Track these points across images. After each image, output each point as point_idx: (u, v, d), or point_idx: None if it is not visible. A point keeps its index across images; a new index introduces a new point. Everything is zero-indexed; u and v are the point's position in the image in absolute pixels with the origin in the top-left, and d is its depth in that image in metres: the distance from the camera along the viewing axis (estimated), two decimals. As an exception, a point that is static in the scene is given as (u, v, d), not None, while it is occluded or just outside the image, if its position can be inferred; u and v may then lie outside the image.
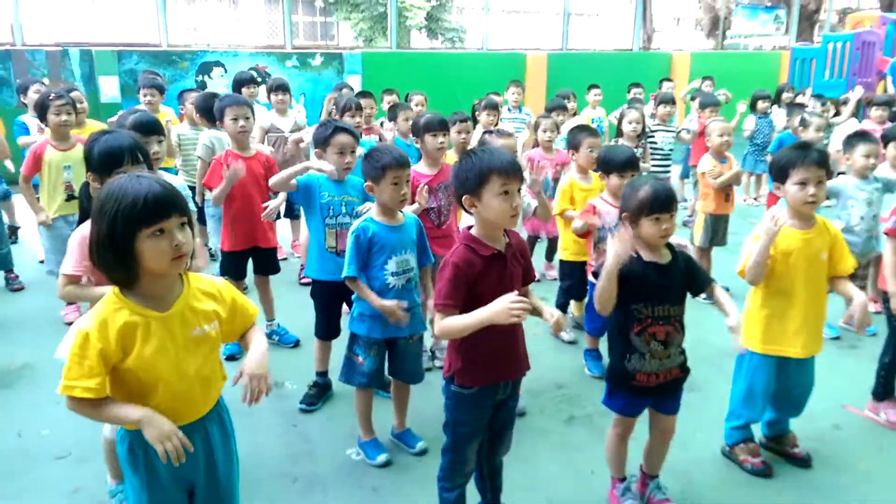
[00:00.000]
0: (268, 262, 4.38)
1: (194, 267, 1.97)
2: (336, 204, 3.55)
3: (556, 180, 5.11)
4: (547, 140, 5.33)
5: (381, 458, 3.16)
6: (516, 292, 2.18)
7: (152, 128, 3.41)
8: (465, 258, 2.30)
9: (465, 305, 2.27)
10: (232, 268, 4.27)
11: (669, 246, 2.69)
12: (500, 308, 2.13)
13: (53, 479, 3.03)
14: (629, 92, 9.12)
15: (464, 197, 2.32)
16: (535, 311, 2.38)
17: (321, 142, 3.59)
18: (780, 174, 2.95)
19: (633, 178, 2.78)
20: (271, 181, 3.64)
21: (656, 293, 2.59)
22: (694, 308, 2.76)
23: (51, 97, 4.55)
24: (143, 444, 1.87)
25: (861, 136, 4.60)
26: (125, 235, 1.74)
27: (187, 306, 1.90)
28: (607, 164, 3.83)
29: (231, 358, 4.15)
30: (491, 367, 2.40)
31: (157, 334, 1.83)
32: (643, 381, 2.63)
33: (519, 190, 2.31)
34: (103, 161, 2.65)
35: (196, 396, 1.95)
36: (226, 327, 2.01)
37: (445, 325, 2.28)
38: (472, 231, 2.38)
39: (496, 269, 2.32)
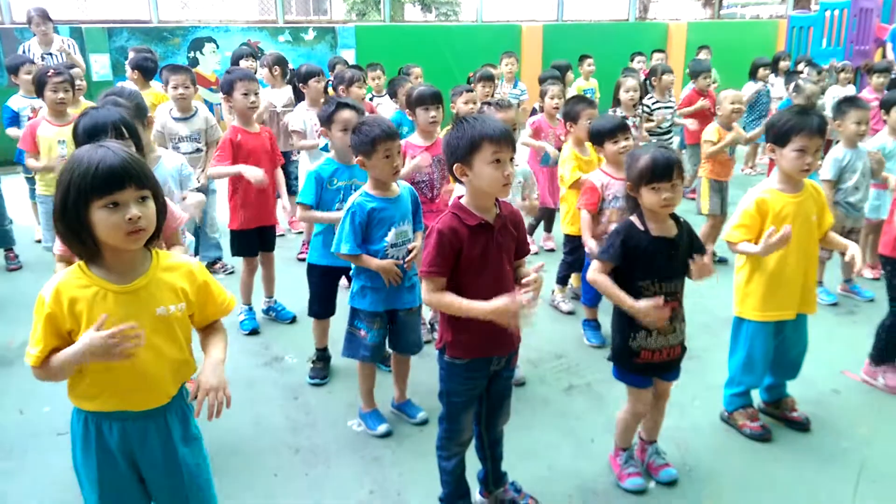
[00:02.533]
0: (271, 239, 4.36)
1: (171, 244, 1.92)
2: (346, 189, 3.45)
3: (558, 149, 5.08)
4: (553, 107, 5.27)
5: (382, 428, 3.17)
6: (513, 294, 2.17)
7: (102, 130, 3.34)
8: (450, 226, 2.28)
9: (454, 275, 2.27)
10: (244, 246, 4.23)
11: (674, 217, 2.67)
12: (503, 311, 2.16)
13: (55, 456, 3.04)
14: (632, 61, 9.04)
15: (455, 165, 2.29)
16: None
17: (325, 119, 3.53)
18: (779, 138, 2.91)
19: (636, 148, 2.75)
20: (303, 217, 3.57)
21: (665, 269, 2.58)
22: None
23: (49, 73, 4.51)
24: (96, 420, 1.88)
25: (852, 101, 4.55)
26: (76, 206, 1.68)
27: (152, 283, 1.83)
28: (599, 134, 3.82)
29: (254, 332, 4.21)
30: (481, 341, 2.38)
31: (114, 308, 1.77)
32: (647, 357, 2.63)
33: (512, 159, 2.29)
34: (86, 136, 2.58)
35: (156, 380, 1.87)
36: (196, 312, 1.94)
37: (438, 300, 2.28)
38: (463, 200, 2.36)
39: (482, 239, 2.29)
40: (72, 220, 1.69)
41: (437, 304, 2.31)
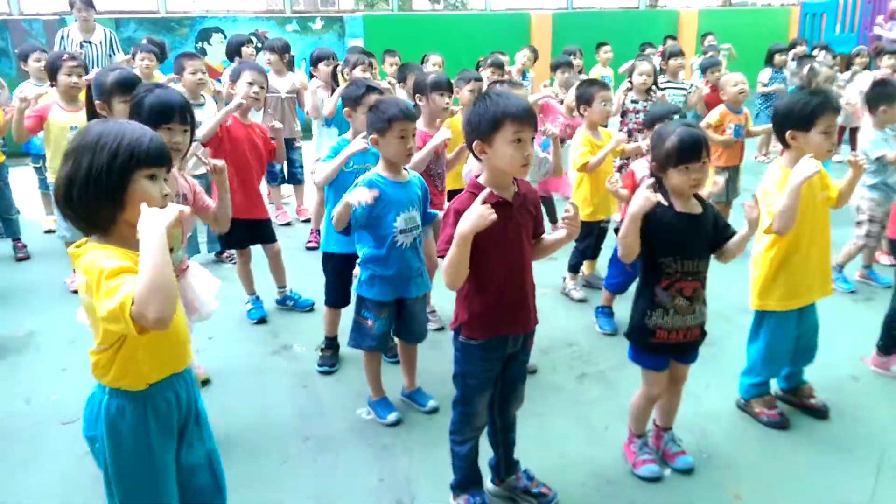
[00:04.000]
0: (266, 231, 4.26)
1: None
2: (358, 172, 3.32)
3: (562, 140, 5.00)
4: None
5: (392, 416, 3.13)
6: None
7: (132, 85, 3.32)
8: (468, 206, 2.21)
9: (472, 254, 2.19)
10: (231, 238, 4.11)
11: (698, 196, 2.60)
12: (475, 215, 2.07)
13: (62, 444, 3.02)
14: (643, 51, 8.92)
15: (474, 142, 2.23)
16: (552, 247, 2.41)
17: (352, 101, 3.48)
18: (802, 122, 2.82)
19: (660, 126, 2.67)
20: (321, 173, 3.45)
21: (687, 246, 2.51)
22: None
23: (63, 57, 4.48)
24: (149, 401, 1.82)
25: (882, 85, 4.47)
26: (124, 169, 1.70)
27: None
28: (653, 120, 3.75)
29: (262, 321, 4.21)
30: (497, 319, 2.33)
31: None
32: (663, 337, 2.57)
33: (533, 139, 2.23)
34: (154, 113, 2.68)
35: (186, 334, 1.92)
36: None
37: (444, 264, 2.21)
38: (480, 179, 2.30)
39: (501, 218, 2.22)
40: (115, 182, 1.69)
41: (448, 272, 2.20)
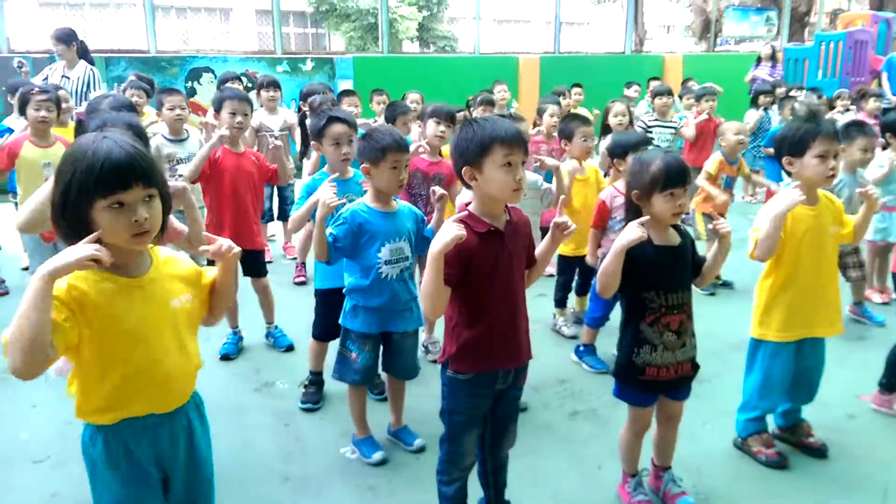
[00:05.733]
0: (258, 265, 4.21)
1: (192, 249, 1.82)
2: (339, 206, 3.34)
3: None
4: (552, 125, 5.19)
5: (377, 455, 3.00)
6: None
7: (129, 110, 3.27)
8: None
9: (462, 284, 2.13)
10: None
11: (675, 226, 2.56)
12: (443, 232, 2.00)
13: (31, 484, 2.88)
14: (628, 88, 9.03)
15: (464, 168, 2.18)
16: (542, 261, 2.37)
17: (315, 133, 3.43)
18: (795, 148, 2.80)
19: (641, 153, 2.64)
20: (292, 220, 3.38)
21: (669, 279, 2.45)
22: (697, 301, 2.62)
23: (33, 91, 4.40)
24: (120, 435, 1.72)
25: (860, 126, 4.40)
26: (77, 204, 1.55)
27: (160, 276, 1.75)
28: (621, 148, 3.72)
29: (226, 357, 4.06)
30: (486, 353, 2.25)
31: (133, 303, 1.67)
32: (653, 374, 2.48)
33: (523, 163, 2.18)
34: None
35: (179, 376, 1.79)
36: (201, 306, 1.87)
37: (420, 290, 2.14)
38: (471, 207, 2.24)
39: (492, 246, 2.18)
40: (72, 218, 1.56)
41: (425, 297, 2.12)
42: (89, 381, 1.67)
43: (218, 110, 4.06)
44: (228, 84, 6.09)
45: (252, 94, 6.46)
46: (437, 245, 2.01)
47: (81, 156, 1.56)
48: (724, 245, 2.50)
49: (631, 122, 5.56)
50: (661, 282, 2.43)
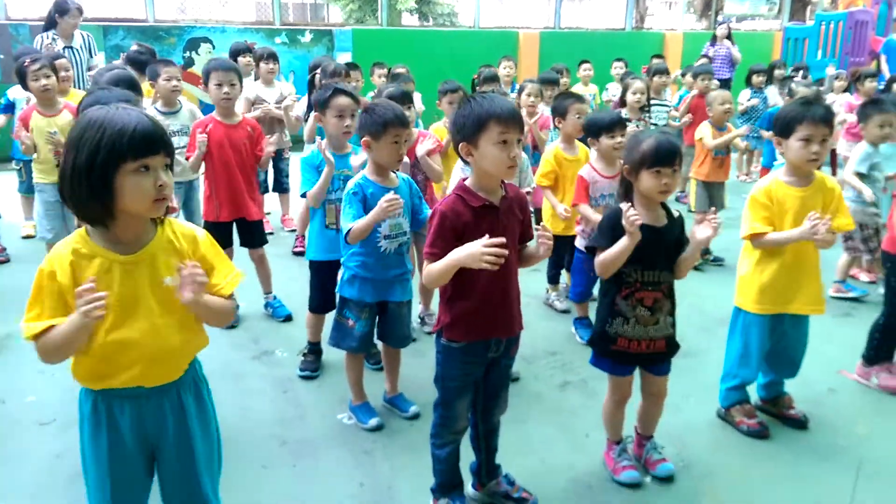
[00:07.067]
0: (255, 235, 4.27)
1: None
2: (335, 179, 3.35)
3: (535, 147, 5.06)
4: (530, 104, 5.21)
5: (373, 421, 3.10)
6: (503, 244, 2.10)
7: (129, 85, 3.31)
8: (453, 207, 2.24)
9: None
10: (216, 238, 4.13)
11: (665, 207, 2.63)
12: (471, 252, 2.09)
13: (37, 446, 2.97)
14: (612, 68, 9.00)
15: (460, 144, 2.25)
16: (528, 260, 2.44)
17: (320, 105, 3.47)
18: (783, 129, 2.87)
19: (638, 131, 2.72)
20: (311, 197, 3.39)
21: (647, 258, 2.53)
22: (688, 276, 2.71)
23: (26, 63, 4.41)
24: (106, 401, 1.80)
25: (875, 104, 4.60)
26: (106, 166, 1.60)
27: (158, 252, 1.78)
28: (596, 127, 3.78)
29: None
30: (479, 323, 2.34)
31: (121, 279, 1.71)
32: (624, 345, 2.59)
33: (519, 141, 2.24)
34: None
35: (167, 353, 1.81)
36: None
37: (426, 271, 2.25)
38: (467, 182, 2.31)
39: (487, 220, 2.25)
40: (98, 180, 1.61)
41: (430, 279, 2.25)
42: (79, 349, 1.74)
43: (205, 83, 4.09)
44: (240, 58, 6.10)
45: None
46: (462, 256, 2.12)
47: (109, 121, 1.62)
48: (695, 248, 2.57)
49: (648, 101, 5.62)
50: (640, 259, 2.51)
